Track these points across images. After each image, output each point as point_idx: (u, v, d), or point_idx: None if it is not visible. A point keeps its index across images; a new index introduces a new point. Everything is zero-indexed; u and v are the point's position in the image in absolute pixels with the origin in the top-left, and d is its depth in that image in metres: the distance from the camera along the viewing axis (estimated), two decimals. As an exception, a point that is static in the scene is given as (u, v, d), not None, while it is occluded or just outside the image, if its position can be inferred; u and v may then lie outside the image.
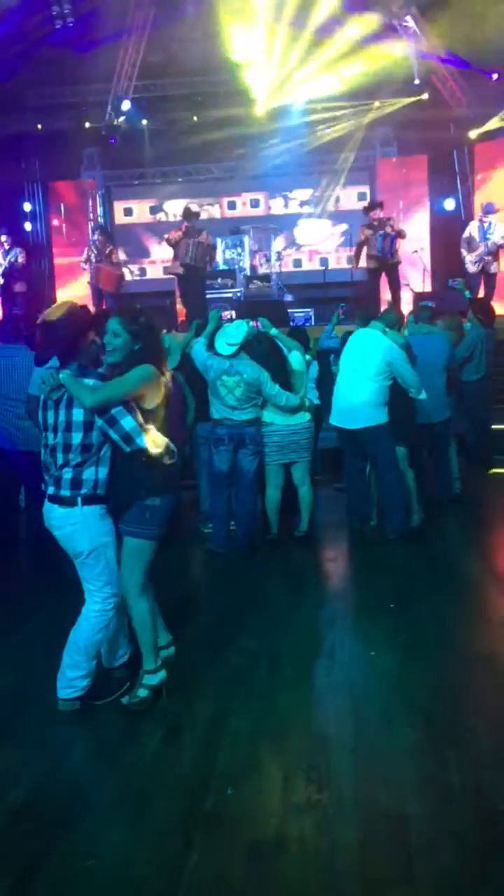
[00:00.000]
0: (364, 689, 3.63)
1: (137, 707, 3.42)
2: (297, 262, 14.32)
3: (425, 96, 12.31)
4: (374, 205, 10.96)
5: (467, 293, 9.27)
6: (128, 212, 14.64)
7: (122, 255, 13.70)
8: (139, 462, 3.30)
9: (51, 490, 3.40)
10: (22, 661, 4.05)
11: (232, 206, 14.48)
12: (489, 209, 10.82)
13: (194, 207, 11.25)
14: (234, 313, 10.13)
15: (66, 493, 3.35)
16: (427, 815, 2.68)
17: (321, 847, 2.56)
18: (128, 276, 14.02)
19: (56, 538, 3.46)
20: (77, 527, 3.37)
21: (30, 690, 3.69)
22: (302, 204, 14.43)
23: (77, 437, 3.33)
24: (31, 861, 2.57)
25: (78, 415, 3.32)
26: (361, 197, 14.11)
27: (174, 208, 13.87)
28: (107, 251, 11.74)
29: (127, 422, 3.25)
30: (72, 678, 3.45)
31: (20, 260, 11.39)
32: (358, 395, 5.58)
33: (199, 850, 2.57)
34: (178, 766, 3.06)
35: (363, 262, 10.94)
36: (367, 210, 10.99)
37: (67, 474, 3.35)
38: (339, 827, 2.65)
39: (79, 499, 3.34)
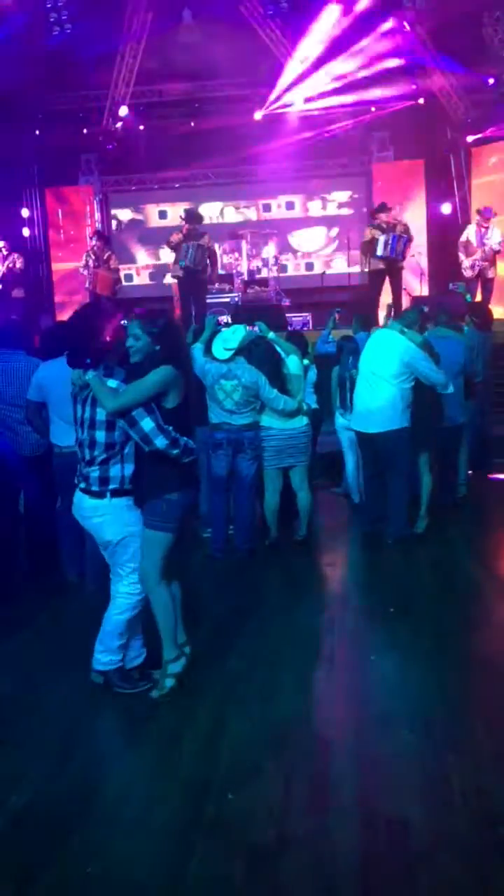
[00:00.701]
0: (364, 694, 3.63)
1: (167, 698, 3.53)
2: (295, 267, 14.35)
3: (422, 101, 12.35)
4: (382, 208, 10.95)
5: (469, 297, 9.27)
6: (127, 216, 14.65)
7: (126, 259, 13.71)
8: (159, 460, 3.42)
9: (81, 485, 3.57)
10: (22, 665, 4.05)
11: (230, 211, 14.50)
12: (487, 214, 10.84)
13: (196, 210, 11.27)
14: (229, 318, 10.14)
15: (96, 488, 3.51)
16: (427, 819, 2.69)
17: (322, 851, 2.56)
18: (125, 281, 14.07)
19: (85, 528, 3.65)
20: (106, 518, 3.53)
21: (30, 695, 3.69)
22: (298, 208, 14.46)
23: (101, 436, 3.49)
24: (31, 867, 2.56)
25: (101, 414, 3.47)
26: (358, 201, 14.16)
27: (173, 213, 13.88)
28: (105, 256, 11.76)
29: (146, 423, 3.37)
30: (96, 651, 3.64)
31: (18, 266, 11.39)
32: (376, 399, 5.51)
33: (199, 854, 2.57)
34: (179, 770, 3.06)
35: (369, 265, 10.95)
36: (374, 213, 11.00)
37: (94, 473, 3.51)
38: (339, 831, 2.65)
39: (108, 493, 3.50)
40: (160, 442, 3.36)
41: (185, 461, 3.45)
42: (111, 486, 3.49)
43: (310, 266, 14.29)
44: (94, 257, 11.70)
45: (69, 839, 2.68)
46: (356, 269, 13.14)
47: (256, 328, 5.86)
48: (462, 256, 10.91)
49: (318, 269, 13.66)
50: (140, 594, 3.60)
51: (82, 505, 3.58)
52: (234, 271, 12.52)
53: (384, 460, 5.64)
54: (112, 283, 11.74)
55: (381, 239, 10.49)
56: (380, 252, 10.52)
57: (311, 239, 14.45)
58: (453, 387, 5.70)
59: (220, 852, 2.59)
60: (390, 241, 10.41)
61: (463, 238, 10.96)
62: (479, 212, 11.11)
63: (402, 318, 5.90)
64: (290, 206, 14.49)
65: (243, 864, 2.52)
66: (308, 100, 12.50)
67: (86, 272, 11.75)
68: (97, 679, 3.66)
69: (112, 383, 3.44)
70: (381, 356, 5.53)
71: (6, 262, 11.37)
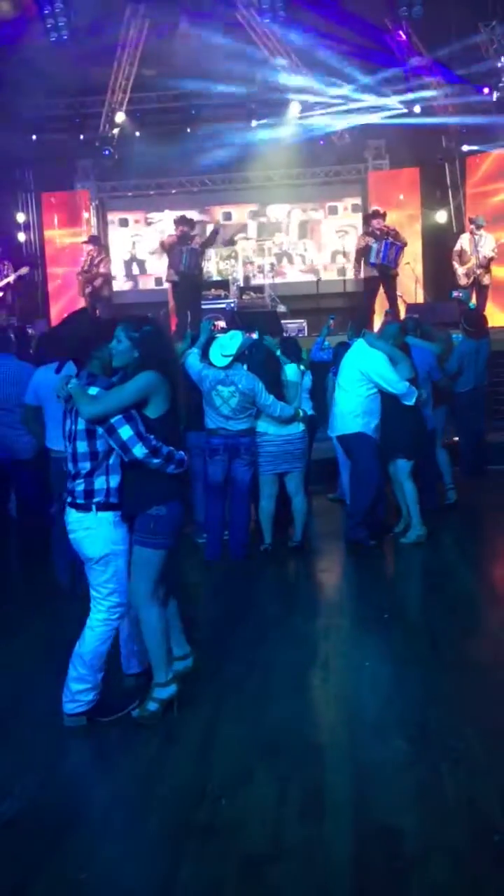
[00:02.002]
0: (358, 700, 3.62)
1: (147, 721, 3.37)
2: (290, 273, 14.37)
3: (417, 109, 12.39)
4: (377, 213, 10.99)
5: (472, 304, 9.30)
6: (123, 222, 14.67)
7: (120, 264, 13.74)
8: (142, 471, 3.29)
9: (68, 499, 3.43)
10: (14, 672, 4.03)
11: (227, 217, 14.53)
12: (480, 222, 10.89)
13: (190, 214, 11.30)
14: (224, 323, 10.16)
15: (81, 500, 3.37)
16: (421, 826, 2.68)
17: (315, 859, 2.55)
18: (120, 286, 14.09)
19: (70, 541, 3.47)
20: (90, 532, 3.37)
21: (22, 702, 3.67)
22: (294, 215, 14.49)
23: (82, 446, 3.35)
24: (24, 873, 2.54)
25: (82, 423, 3.33)
26: (353, 209, 14.21)
27: (169, 219, 13.88)
28: (97, 261, 11.82)
29: (124, 431, 3.23)
30: (76, 692, 3.38)
31: (10, 274, 11.40)
32: (340, 405, 5.74)
33: (191, 861, 2.56)
34: (172, 776, 3.05)
35: (362, 272, 11.00)
36: (368, 218, 11.05)
37: (80, 486, 3.36)
38: (332, 838, 2.64)
39: (93, 505, 3.35)
40: (139, 451, 3.21)
41: (171, 472, 3.32)
42: (96, 500, 3.33)
43: (305, 272, 14.32)
44: (88, 262, 11.73)
45: (61, 845, 2.66)
46: (351, 275, 13.19)
47: (254, 335, 5.89)
48: (456, 265, 10.95)
49: (313, 276, 13.68)
50: (117, 619, 3.44)
51: (69, 518, 3.42)
52: (230, 277, 12.54)
53: (351, 462, 5.87)
54: (100, 289, 11.84)
55: (374, 246, 10.54)
56: (372, 259, 10.57)
57: (306, 245, 14.47)
58: (421, 395, 5.75)
59: (213, 858, 2.57)
60: (382, 249, 10.47)
61: (457, 247, 11.00)
62: (471, 220, 11.17)
63: (382, 332, 5.98)
64: (285, 212, 14.52)
65: (235, 871, 2.51)
66: (304, 108, 12.53)
67: (80, 277, 11.79)
68: (76, 723, 3.37)
69: (93, 391, 3.30)
70: (346, 365, 5.74)
71: (5, 279, 11.35)
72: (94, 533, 3.36)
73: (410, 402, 5.51)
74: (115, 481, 3.36)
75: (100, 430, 3.29)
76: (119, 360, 3.35)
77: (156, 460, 3.25)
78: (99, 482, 3.34)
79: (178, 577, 3.71)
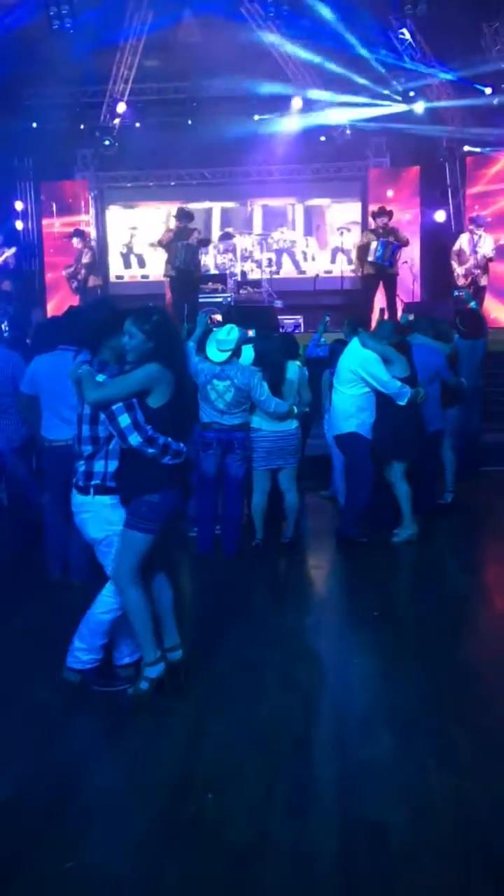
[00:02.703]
0: (346, 697, 3.63)
1: (140, 699, 3.46)
2: (288, 269, 14.36)
3: (419, 108, 12.39)
4: (383, 211, 10.99)
5: (474, 303, 9.31)
6: (122, 212, 14.61)
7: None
8: (139, 458, 3.37)
9: (74, 479, 3.54)
10: (2, 660, 4.02)
11: (224, 211, 14.49)
12: (479, 221, 10.90)
13: (188, 208, 11.27)
14: (220, 317, 10.15)
15: (81, 483, 3.49)
16: (407, 823, 2.69)
17: (301, 853, 2.56)
18: (116, 279, 14.07)
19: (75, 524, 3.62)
20: (90, 515, 3.50)
21: (10, 691, 3.66)
22: (293, 211, 14.48)
23: (86, 430, 3.47)
24: (9, 863, 2.55)
25: (87, 408, 3.44)
26: (353, 206, 14.21)
27: (168, 211, 13.86)
28: (81, 254, 11.89)
29: (123, 419, 3.32)
30: (76, 648, 3.56)
31: (10, 260, 11.38)
32: (334, 405, 5.80)
33: (178, 853, 2.57)
34: (160, 770, 3.05)
35: (362, 269, 11.01)
36: (374, 215, 11.06)
37: (81, 467, 3.49)
38: (319, 834, 2.65)
39: (91, 489, 3.46)
40: (134, 439, 3.31)
41: (167, 462, 3.38)
42: (94, 482, 3.46)
43: (303, 269, 14.31)
44: (75, 256, 11.83)
45: (48, 836, 2.67)
46: (350, 272, 13.19)
47: (250, 332, 5.90)
48: (455, 265, 10.97)
49: (311, 272, 13.68)
50: None
51: (74, 501, 3.56)
52: (228, 272, 12.52)
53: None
54: (90, 280, 11.91)
55: (374, 244, 10.56)
56: (370, 257, 10.59)
57: (304, 241, 14.47)
58: (426, 394, 5.76)
59: (199, 852, 2.58)
60: (379, 248, 10.49)
61: (456, 247, 11.03)
62: (471, 219, 11.18)
63: (376, 330, 6.01)
64: (285, 208, 14.50)
65: (222, 865, 2.52)
66: (305, 103, 12.50)
67: (65, 272, 11.89)
68: (73, 678, 3.58)
69: (100, 377, 3.40)
70: (340, 365, 5.77)
71: (2, 256, 11.36)
72: (94, 515, 3.50)
73: (402, 401, 5.51)
74: (113, 466, 3.47)
75: (102, 415, 3.39)
76: (134, 354, 3.41)
77: (151, 450, 3.33)
78: (98, 465, 3.46)
79: (173, 566, 3.73)
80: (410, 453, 5.74)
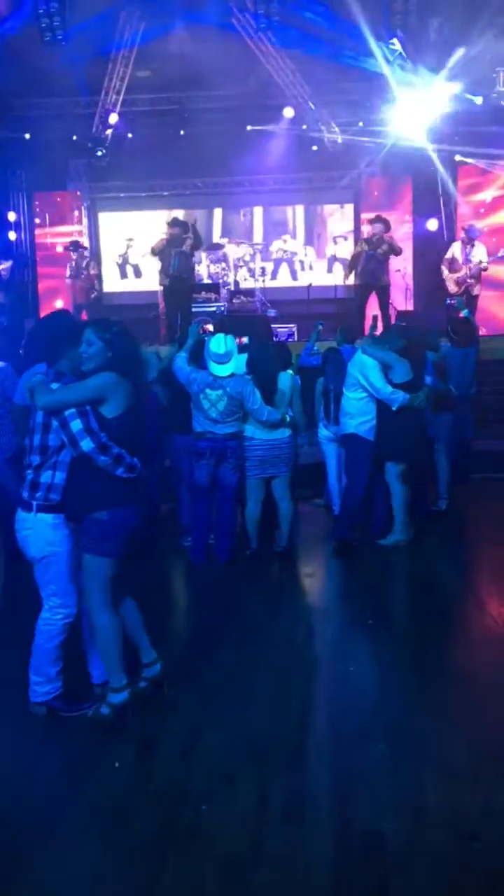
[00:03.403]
0: (341, 705, 3.63)
1: (99, 723, 3.38)
2: (281, 278, 14.39)
3: (410, 116, 12.43)
4: (378, 220, 11.03)
5: (466, 312, 9.35)
6: (114, 223, 14.63)
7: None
8: (89, 472, 3.28)
9: (22, 492, 3.45)
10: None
11: (217, 220, 14.52)
12: (471, 232, 10.95)
13: (183, 217, 11.30)
14: (212, 327, 10.16)
15: (25, 494, 3.40)
16: (402, 831, 2.68)
17: (296, 863, 2.55)
18: (112, 288, 14.07)
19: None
20: (30, 532, 3.41)
21: (4, 699, 3.64)
22: (286, 220, 14.53)
23: (36, 439, 3.39)
24: (1, 876, 2.53)
25: (39, 416, 3.37)
26: (345, 215, 14.26)
27: (161, 221, 13.89)
28: (84, 264, 11.90)
29: (75, 424, 3.23)
30: (33, 682, 3.49)
31: (4, 272, 11.39)
32: (342, 406, 5.93)
33: (172, 865, 2.55)
34: (153, 780, 3.04)
35: (351, 279, 11.06)
36: (371, 222, 11.11)
37: (29, 476, 3.41)
38: (313, 843, 2.64)
39: (34, 504, 3.37)
40: (86, 444, 3.20)
41: (120, 475, 3.28)
42: (38, 495, 3.35)
43: (296, 277, 14.34)
44: (74, 266, 11.81)
45: (40, 849, 2.65)
46: (341, 281, 13.22)
47: (244, 339, 5.91)
48: (446, 273, 11.01)
49: (304, 281, 13.72)
50: (65, 619, 3.45)
51: (17, 517, 3.45)
52: (220, 281, 12.55)
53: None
54: (86, 291, 11.92)
55: (364, 255, 10.65)
56: (358, 270, 10.69)
57: (297, 251, 14.51)
58: (424, 399, 5.81)
59: (193, 863, 2.57)
60: (363, 260, 10.61)
61: (448, 255, 11.07)
62: (464, 229, 11.23)
63: (381, 336, 6.07)
64: (277, 216, 14.55)
65: (216, 875, 2.51)
66: (297, 112, 12.56)
67: (69, 281, 11.86)
68: (39, 710, 3.49)
69: (54, 386, 3.32)
70: (347, 370, 5.94)
71: None
72: (34, 534, 3.39)
73: (394, 407, 5.58)
74: (59, 477, 3.37)
75: (54, 423, 3.30)
76: (92, 362, 3.33)
77: (103, 457, 3.24)
78: (45, 476, 3.37)
79: (134, 583, 3.59)
80: (406, 455, 5.77)
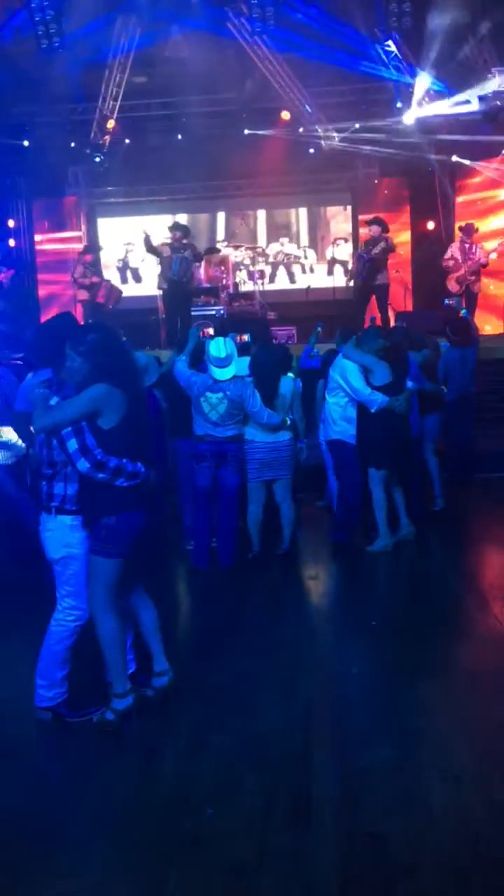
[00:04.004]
0: (345, 708, 3.63)
1: (104, 729, 3.38)
2: (280, 281, 14.41)
3: (408, 119, 12.46)
4: (374, 221, 11.04)
5: (464, 311, 9.36)
6: (113, 228, 14.64)
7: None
8: (94, 482, 3.29)
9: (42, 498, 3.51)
10: (4, 675, 4.00)
11: (215, 224, 14.55)
12: (469, 231, 10.97)
13: (183, 221, 11.33)
14: (213, 330, 10.18)
15: (44, 501, 3.45)
16: (407, 834, 2.68)
17: (301, 867, 2.55)
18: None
19: None
20: (50, 534, 3.45)
21: (9, 707, 3.65)
22: (284, 222, 14.55)
23: (44, 453, 3.42)
24: (7, 883, 2.53)
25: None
26: (343, 217, 14.29)
27: (160, 225, 13.92)
28: (100, 269, 11.97)
29: (71, 444, 3.25)
30: (38, 686, 3.49)
31: (5, 280, 11.42)
32: (325, 412, 5.99)
33: (178, 870, 2.55)
34: (158, 786, 3.04)
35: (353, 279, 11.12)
36: (368, 224, 11.12)
37: (44, 488, 3.45)
38: (319, 846, 2.64)
39: (52, 508, 3.42)
40: (81, 465, 3.23)
41: (121, 485, 3.28)
42: (54, 504, 3.40)
43: (294, 280, 14.36)
44: (91, 270, 11.80)
45: (47, 855, 2.65)
46: (341, 283, 13.24)
47: (245, 337, 5.93)
48: (448, 273, 11.01)
49: (302, 284, 13.74)
50: (76, 621, 3.46)
51: (40, 518, 3.50)
52: (220, 284, 12.56)
53: None
54: (118, 295, 11.96)
55: (361, 257, 10.68)
56: (357, 270, 10.73)
57: (296, 253, 14.52)
58: (403, 402, 5.76)
59: (199, 868, 2.57)
60: (357, 261, 10.64)
61: (447, 255, 11.08)
62: (461, 229, 11.24)
63: (360, 339, 6.02)
64: (275, 220, 14.57)
65: (222, 880, 2.51)
66: (294, 116, 12.58)
67: (85, 282, 11.78)
68: (44, 716, 3.48)
69: (54, 401, 3.33)
70: (329, 374, 5.94)
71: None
72: (52, 535, 3.45)
73: (372, 409, 5.61)
74: (72, 489, 3.39)
75: (54, 441, 3.33)
76: (78, 376, 3.34)
77: (100, 475, 3.25)
78: (58, 488, 3.41)
79: (150, 588, 3.63)
80: (384, 461, 5.76)
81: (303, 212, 14.52)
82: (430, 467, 6.75)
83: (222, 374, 5.34)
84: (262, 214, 14.56)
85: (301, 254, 14.50)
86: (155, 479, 3.46)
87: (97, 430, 3.28)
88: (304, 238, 14.56)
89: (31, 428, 3.40)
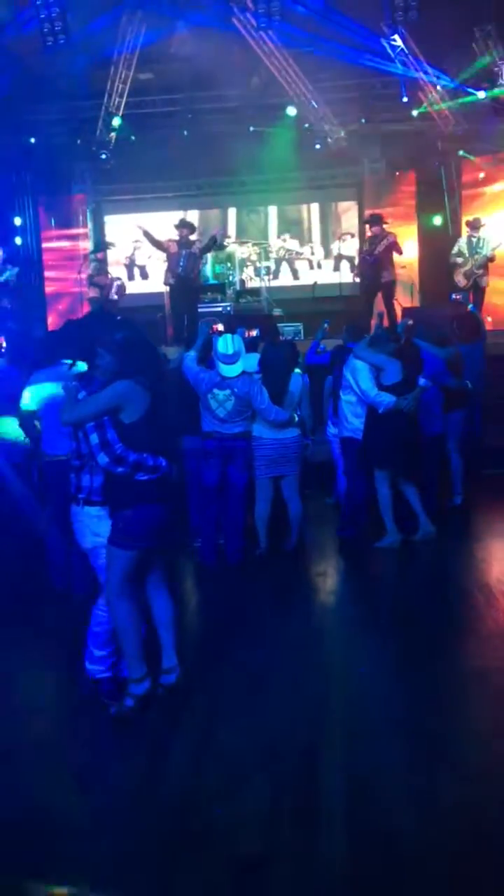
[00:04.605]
0: (354, 704, 3.62)
1: (123, 716, 3.44)
2: (287, 277, 14.39)
3: (414, 113, 12.42)
4: (372, 220, 11.00)
5: (472, 306, 9.31)
6: (120, 225, 14.65)
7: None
8: (114, 474, 3.38)
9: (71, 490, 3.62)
10: (4, 674, 4.01)
11: (224, 220, 14.52)
12: (475, 225, 10.92)
13: (189, 218, 11.32)
14: (222, 326, 10.16)
15: (73, 492, 3.56)
16: (416, 832, 2.67)
17: (310, 864, 2.55)
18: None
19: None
20: (80, 525, 3.59)
21: (12, 703, 3.66)
22: (291, 218, 14.52)
23: (73, 445, 3.55)
24: (13, 883, 2.54)
25: None
26: (350, 213, 14.24)
27: (167, 222, 13.91)
28: (105, 268, 11.94)
29: (93, 438, 3.37)
30: (86, 659, 3.65)
31: (11, 278, 11.44)
32: (340, 409, 6.02)
33: (186, 867, 2.56)
34: (166, 782, 3.04)
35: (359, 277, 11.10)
36: (369, 223, 11.08)
37: (73, 480, 3.55)
38: (328, 844, 2.63)
39: (80, 500, 3.54)
40: (101, 459, 3.34)
41: (140, 479, 3.37)
42: (82, 495, 3.53)
43: (297, 277, 14.33)
44: (104, 268, 11.79)
45: (53, 855, 2.66)
46: (348, 279, 13.20)
47: (254, 332, 5.93)
48: (455, 267, 10.97)
49: (306, 280, 13.71)
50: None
51: (71, 510, 3.63)
52: (226, 281, 12.55)
53: None
54: (124, 291, 11.95)
55: (365, 254, 10.66)
56: (363, 266, 10.70)
57: (303, 249, 14.49)
58: (410, 403, 5.69)
59: (208, 865, 2.57)
60: (360, 260, 10.62)
61: (455, 250, 11.03)
62: (467, 223, 11.20)
63: (372, 338, 6.02)
64: (282, 215, 14.53)
65: (231, 877, 2.51)
66: (300, 112, 12.54)
67: (95, 279, 11.76)
68: (92, 689, 3.63)
69: (82, 394, 3.46)
70: (343, 373, 5.98)
71: (5, 274, 11.40)
72: (82, 526, 3.57)
73: (380, 410, 5.60)
74: (97, 481, 3.50)
75: (80, 433, 3.45)
76: (105, 374, 3.47)
77: (119, 469, 3.35)
78: (85, 479, 3.53)
79: (174, 581, 3.72)
80: (386, 462, 5.73)
81: (309, 207, 14.47)
82: (453, 464, 6.74)
83: (230, 370, 5.34)
84: (273, 210, 14.53)
85: (304, 250, 14.45)
86: (178, 475, 3.58)
87: (119, 425, 3.38)
88: (311, 234, 14.52)
89: (61, 421, 3.49)
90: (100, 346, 3.46)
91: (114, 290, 11.67)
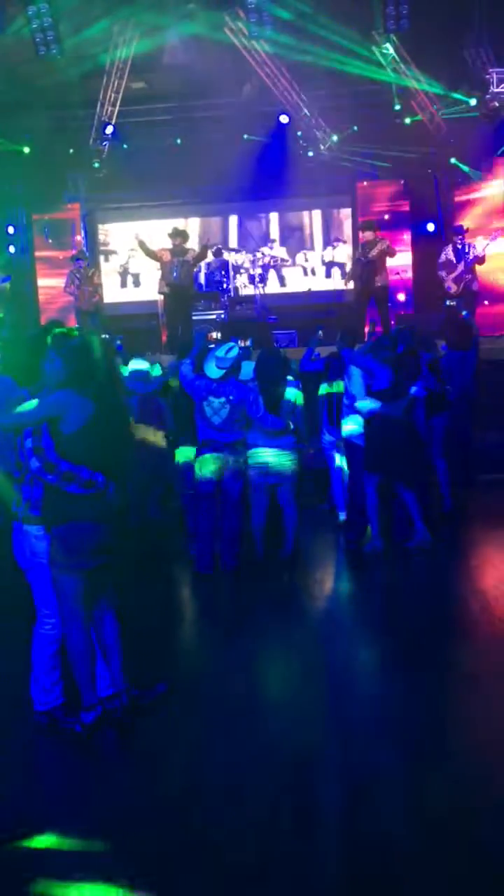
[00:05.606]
0: (350, 712, 3.62)
1: (73, 739, 3.33)
2: (280, 284, 14.42)
3: (406, 121, 12.49)
4: (366, 227, 11.04)
5: (465, 313, 9.34)
6: (113, 234, 14.67)
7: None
8: (48, 487, 3.28)
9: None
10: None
11: (215, 228, 14.55)
12: (459, 231, 10.99)
13: (182, 226, 11.34)
14: (218, 334, 10.18)
15: (14, 507, 3.44)
16: (414, 838, 2.67)
17: (306, 872, 2.54)
18: (113, 298, 14.10)
19: None
20: (18, 542, 3.49)
21: (7, 712, 3.65)
22: (284, 226, 14.56)
23: (13, 455, 3.40)
24: (10, 887, 2.53)
25: (10, 434, 3.41)
26: (342, 220, 14.30)
27: (159, 231, 13.94)
28: (89, 274, 11.86)
29: (27, 443, 3.27)
30: (33, 691, 3.48)
31: (4, 287, 11.45)
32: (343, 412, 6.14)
33: (183, 877, 2.55)
34: (162, 791, 3.03)
35: (350, 284, 11.11)
36: (362, 229, 11.13)
37: (17, 492, 3.44)
38: (324, 851, 2.63)
39: (21, 515, 3.42)
40: (33, 464, 3.23)
41: (72, 491, 3.22)
42: (20, 509, 3.40)
43: (295, 283, 14.36)
44: (78, 277, 11.76)
45: (45, 863, 2.65)
46: (341, 285, 13.25)
47: (247, 342, 5.96)
48: (443, 275, 11.00)
49: (293, 287, 13.74)
50: (52, 629, 3.45)
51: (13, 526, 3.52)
52: (220, 288, 12.57)
53: None
54: (90, 298, 11.85)
55: (359, 260, 10.69)
56: (356, 273, 10.73)
57: (296, 256, 14.53)
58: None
59: (204, 874, 2.56)
60: (354, 265, 10.66)
61: (442, 258, 11.05)
62: (453, 229, 11.26)
63: (372, 344, 6.13)
64: (275, 223, 14.58)
65: (227, 886, 2.50)
66: (292, 120, 12.61)
67: (74, 290, 11.76)
68: (41, 720, 3.46)
69: (34, 402, 3.34)
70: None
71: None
72: (19, 545, 3.47)
73: (362, 415, 5.76)
74: (37, 493, 3.38)
75: (18, 441, 3.34)
76: (54, 378, 3.35)
77: (49, 476, 3.23)
78: (26, 491, 3.40)
79: (114, 600, 3.53)
80: (375, 467, 5.75)
81: (311, 214, 14.51)
82: (438, 469, 6.75)
83: (215, 373, 5.38)
84: (258, 218, 14.56)
85: (297, 258, 14.48)
86: (123, 495, 3.36)
87: (58, 434, 3.26)
88: (312, 241, 14.54)
89: None
90: (51, 349, 3.37)
91: (95, 299, 11.66)
